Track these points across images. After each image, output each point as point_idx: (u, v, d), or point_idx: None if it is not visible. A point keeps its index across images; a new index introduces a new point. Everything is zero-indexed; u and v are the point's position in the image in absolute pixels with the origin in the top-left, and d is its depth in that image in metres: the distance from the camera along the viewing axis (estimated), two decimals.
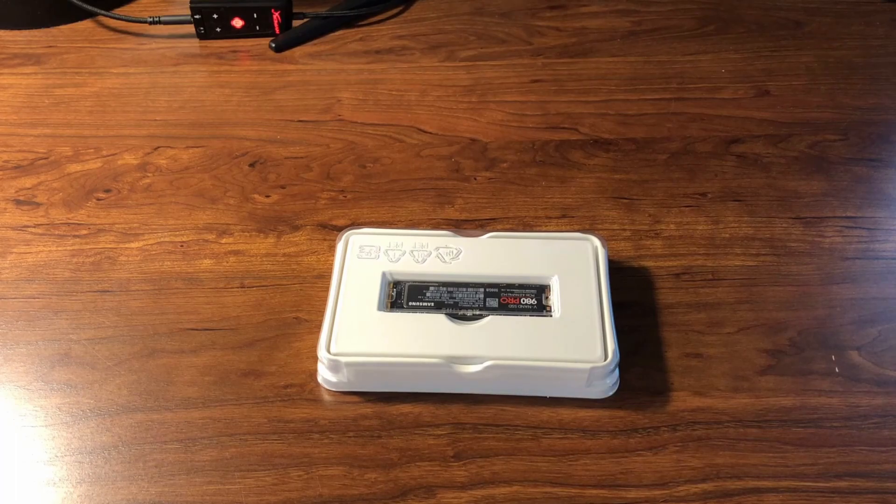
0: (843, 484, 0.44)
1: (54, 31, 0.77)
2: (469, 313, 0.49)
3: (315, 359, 0.49)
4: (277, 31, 0.75)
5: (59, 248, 0.57)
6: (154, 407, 0.48)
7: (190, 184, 0.62)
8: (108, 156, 0.64)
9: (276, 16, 0.75)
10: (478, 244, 0.52)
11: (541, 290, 0.50)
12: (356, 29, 0.77)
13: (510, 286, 0.50)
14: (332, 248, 0.56)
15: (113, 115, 0.68)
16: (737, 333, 0.51)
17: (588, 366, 0.46)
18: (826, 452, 0.46)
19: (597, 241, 0.52)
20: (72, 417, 0.48)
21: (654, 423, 0.47)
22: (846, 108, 0.68)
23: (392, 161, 0.64)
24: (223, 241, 0.58)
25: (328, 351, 0.47)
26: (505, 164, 0.63)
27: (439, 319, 0.48)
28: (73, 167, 0.63)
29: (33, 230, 0.59)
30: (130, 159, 0.64)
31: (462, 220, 0.59)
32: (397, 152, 0.65)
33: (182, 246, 0.57)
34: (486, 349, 0.47)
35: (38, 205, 0.61)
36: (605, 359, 0.46)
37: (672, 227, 0.58)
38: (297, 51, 0.75)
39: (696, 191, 0.61)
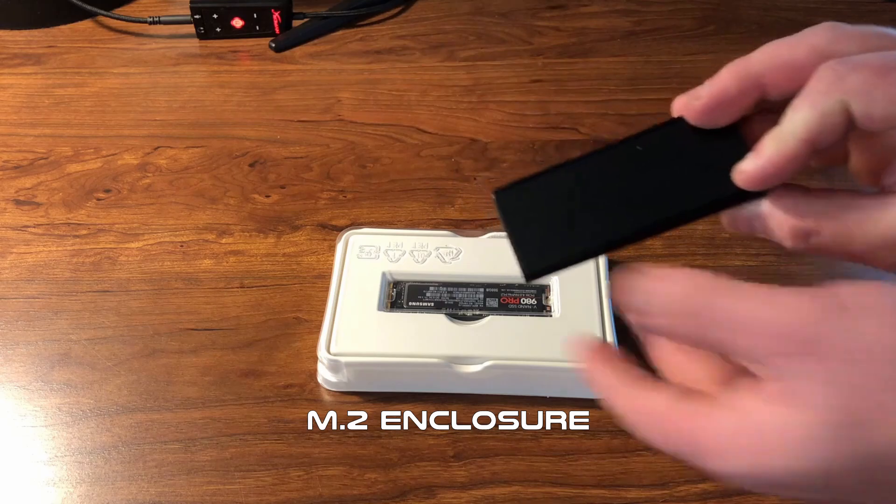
0: None
1: (54, 31, 0.77)
2: (469, 313, 0.49)
3: (315, 359, 0.49)
4: (277, 31, 0.75)
5: (59, 248, 0.57)
6: (154, 407, 0.48)
7: (190, 184, 0.62)
8: (108, 156, 0.64)
9: (276, 16, 0.75)
10: (478, 244, 0.52)
11: (541, 290, 0.50)
12: (356, 29, 0.77)
13: (510, 286, 0.50)
14: (332, 248, 0.56)
15: (113, 115, 0.68)
16: None
17: None
18: None
19: None
20: (72, 417, 0.48)
21: None
22: None
23: (392, 161, 0.64)
24: (223, 241, 0.58)
25: (328, 351, 0.47)
26: (505, 164, 0.63)
27: (439, 319, 0.48)
28: (73, 167, 0.63)
29: (33, 230, 0.59)
30: (130, 159, 0.64)
31: (462, 220, 0.59)
32: (397, 152, 0.65)
33: (182, 246, 0.57)
34: (486, 349, 0.47)
35: (38, 205, 0.61)
36: None
37: None
38: (297, 51, 0.75)
39: None
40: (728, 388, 0.27)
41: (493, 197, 0.30)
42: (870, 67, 0.26)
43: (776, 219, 0.28)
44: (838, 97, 0.26)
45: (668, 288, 0.27)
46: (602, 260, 0.51)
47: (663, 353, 0.30)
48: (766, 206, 0.28)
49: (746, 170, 0.28)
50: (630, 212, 0.30)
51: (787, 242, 0.28)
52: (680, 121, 0.30)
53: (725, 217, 0.29)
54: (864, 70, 0.26)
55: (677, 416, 0.26)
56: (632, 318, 0.28)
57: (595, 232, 0.29)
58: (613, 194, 0.30)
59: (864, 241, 0.27)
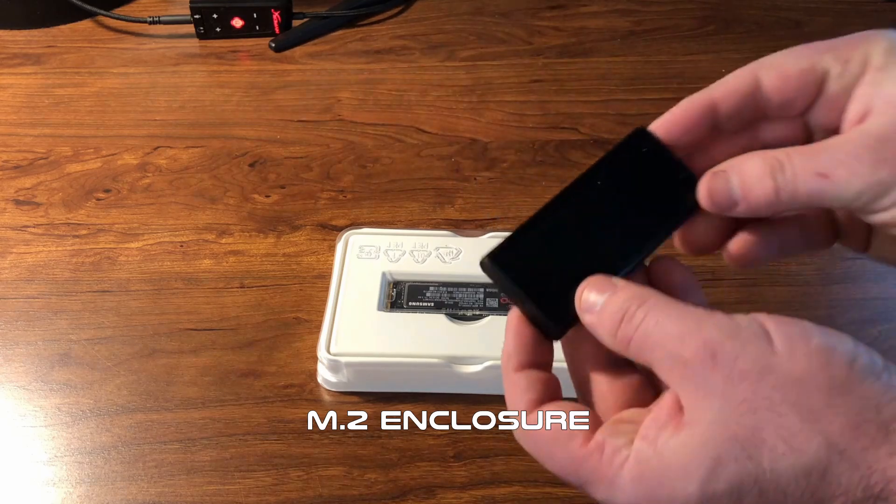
0: None
1: (54, 31, 0.77)
2: (469, 313, 0.49)
3: (315, 359, 0.49)
4: (277, 31, 0.75)
5: (59, 248, 0.57)
6: (154, 407, 0.48)
7: (190, 184, 0.62)
8: (108, 156, 0.64)
9: (275, 16, 0.75)
10: (478, 244, 0.52)
11: None
12: (356, 29, 0.77)
13: None
14: (332, 248, 0.56)
15: (113, 115, 0.68)
16: None
17: None
18: None
19: None
20: (72, 417, 0.48)
21: None
22: None
23: (392, 161, 0.64)
24: (223, 241, 0.58)
25: (328, 351, 0.47)
26: (505, 164, 0.63)
27: (439, 319, 0.48)
28: (73, 167, 0.63)
29: (33, 230, 0.59)
30: (130, 159, 0.64)
31: (462, 220, 0.59)
32: (397, 152, 0.65)
33: (182, 246, 0.57)
34: (486, 349, 0.47)
35: (38, 205, 0.60)
36: None
37: None
38: (297, 51, 0.75)
39: None
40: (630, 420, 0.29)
41: (485, 264, 0.30)
42: (784, 50, 0.30)
43: (748, 170, 0.29)
44: (752, 69, 0.31)
45: (610, 301, 0.28)
46: None
47: (586, 376, 0.32)
48: (737, 165, 0.30)
49: (657, 122, 0.34)
50: (625, 239, 0.31)
51: (767, 184, 0.28)
52: (628, 144, 0.34)
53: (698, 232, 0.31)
54: (779, 52, 0.30)
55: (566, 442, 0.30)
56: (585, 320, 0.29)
57: (606, 268, 0.30)
58: (603, 226, 0.31)
59: (833, 157, 0.28)
